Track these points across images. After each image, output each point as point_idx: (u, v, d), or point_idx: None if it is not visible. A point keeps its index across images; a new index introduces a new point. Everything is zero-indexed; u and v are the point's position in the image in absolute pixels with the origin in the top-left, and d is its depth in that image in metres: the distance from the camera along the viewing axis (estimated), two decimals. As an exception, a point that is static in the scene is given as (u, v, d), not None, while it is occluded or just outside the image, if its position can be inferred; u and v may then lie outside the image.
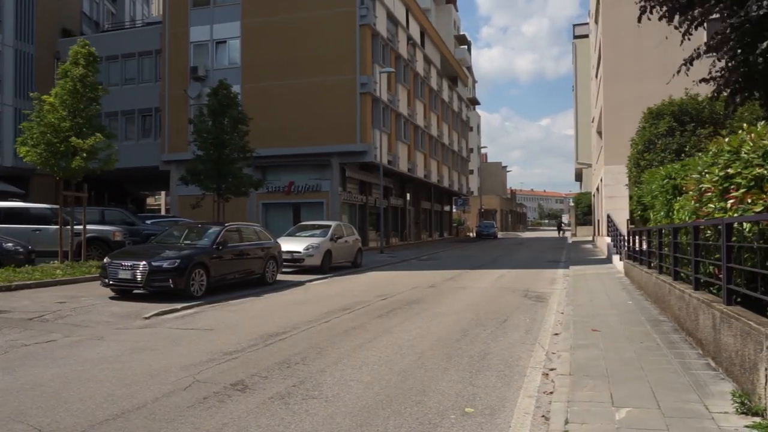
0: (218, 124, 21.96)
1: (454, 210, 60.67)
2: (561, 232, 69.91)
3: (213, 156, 21.69)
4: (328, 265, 18.00)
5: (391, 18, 34.00)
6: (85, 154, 15.41)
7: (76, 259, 16.21)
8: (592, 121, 39.23)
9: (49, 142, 15.05)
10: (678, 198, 9.40)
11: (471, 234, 62.92)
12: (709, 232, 6.99)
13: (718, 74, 9.49)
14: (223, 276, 12.73)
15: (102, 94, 16.33)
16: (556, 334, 8.31)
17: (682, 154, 13.82)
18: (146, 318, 9.82)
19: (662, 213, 10.38)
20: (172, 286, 11.31)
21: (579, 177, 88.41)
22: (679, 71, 10.05)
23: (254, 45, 31.32)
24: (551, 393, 5.49)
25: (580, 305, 10.35)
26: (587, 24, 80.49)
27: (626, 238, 16.03)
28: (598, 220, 37.00)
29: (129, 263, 11.36)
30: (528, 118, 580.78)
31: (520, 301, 11.98)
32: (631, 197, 15.26)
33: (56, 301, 11.18)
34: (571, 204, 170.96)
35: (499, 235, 61.27)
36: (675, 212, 9.27)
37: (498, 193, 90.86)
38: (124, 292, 12.11)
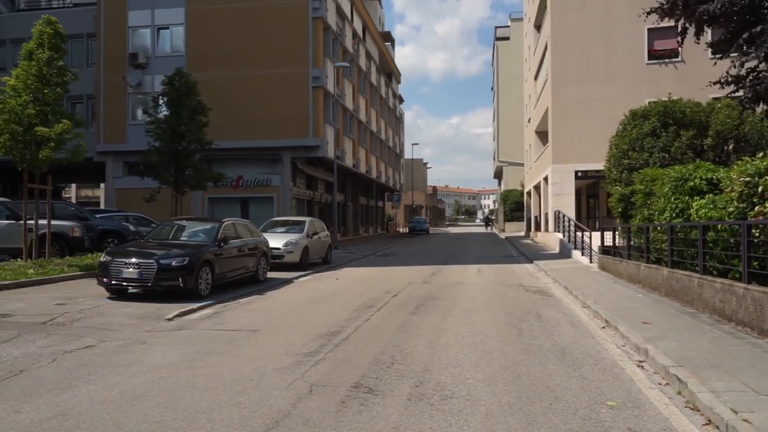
0: (175, 115, 20.97)
1: (386, 206, 61.02)
2: (489, 227, 72.08)
3: (171, 148, 20.70)
4: (306, 262, 17.68)
5: (339, 12, 33.72)
6: (52, 144, 14.25)
7: (40, 257, 14.97)
8: (529, 122, 40.71)
9: (14, 131, 13.79)
10: (696, 198, 9.99)
11: (400, 229, 63.57)
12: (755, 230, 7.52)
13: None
14: (224, 274, 12.22)
15: (70, 79, 15.15)
16: (603, 327, 8.63)
17: (667, 155, 14.68)
18: (169, 319, 9.30)
19: (669, 212, 10.98)
20: (181, 285, 10.74)
21: (498, 174, 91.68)
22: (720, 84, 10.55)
23: (200, 33, 30.07)
24: (667, 384, 5.73)
25: (596, 299, 10.75)
26: (509, 27, 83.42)
27: (601, 234, 16.80)
28: (535, 217, 38.54)
29: (135, 262, 10.66)
30: (439, 116, 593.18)
31: (528, 296, 12.29)
32: (609, 194, 15.96)
33: (54, 303, 10.33)
34: (492, 201, 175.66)
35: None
36: (693, 211, 9.85)
37: (420, 189, 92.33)
38: (120, 291, 11.37)
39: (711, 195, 9.57)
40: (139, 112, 31.04)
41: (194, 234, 12.61)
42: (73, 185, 60.49)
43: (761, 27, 9.34)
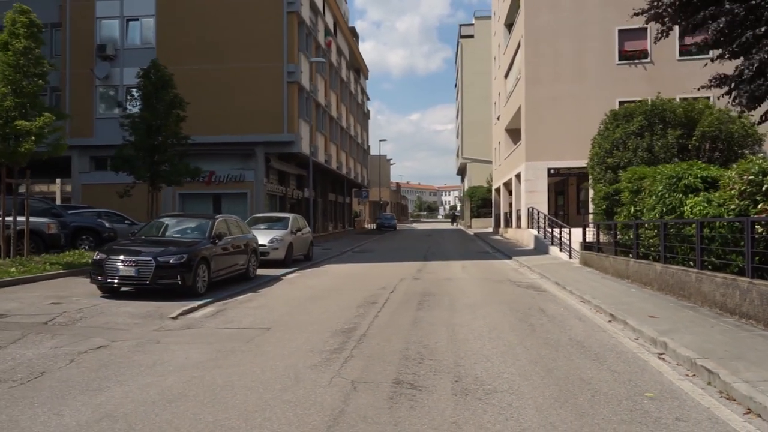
0: (151, 108, 20.50)
1: (353, 202, 60.93)
2: (455, 223, 72.75)
3: (146, 142, 20.23)
4: (290, 259, 17.56)
5: (312, 6, 33.47)
6: (33, 138, 13.78)
7: (16, 254, 14.46)
8: (498, 119, 41.23)
9: (-6, 124, 13.29)
10: (690, 195, 10.33)
11: (367, 226, 63.62)
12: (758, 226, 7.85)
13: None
14: (219, 271, 12.05)
15: (48, 69, 14.65)
16: (610, 321, 8.85)
17: (651, 154, 15.10)
18: (173, 318, 9.14)
19: (660, 208, 11.32)
20: (180, 282, 10.55)
21: (462, 171, 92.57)
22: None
23: (171, 25, 29.40)
24: (694, 376, 5.94)
25: (592, 294, 11.01)
26: (473, 25, 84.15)
27: (583, 231, 17.17)
28: (505, 213, 39.11)
29: (132, 259, 10.40)
30: (399, 113, 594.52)
31: (522, 291, 12.50)
32: (592, 192, 16.33)
33: (48, 302, 10.02)
34: (453, 197, 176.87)
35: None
36: (688, 208, 10.19)
37: (384, 185, 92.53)
38: (113, 290, 11.09)
39: (705, 193, 9.91)
40: (108, 105, 30.25)
41: (187, 231, 12.38)
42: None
43: (763, 29, 9.67)
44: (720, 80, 11.27)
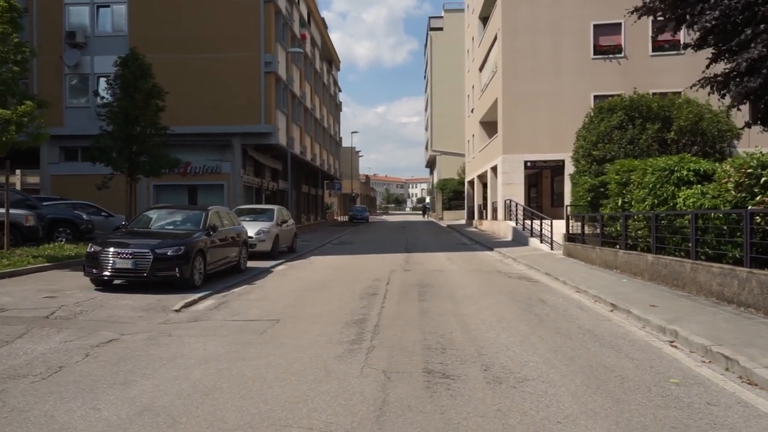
0: (129, 98, 20.05)
1: (324, 194, 60.65)
2: (426, 215, 73.11)
3: (125, 132, 19.81)
4: (277, 250, 17.45)
5: (288, -4, 33.11)
6: (13, 127, 13.34)
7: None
8: (472, 112, 41.52)
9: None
10: (683, 188, 10.62)
11: (339, 218, 63.46)
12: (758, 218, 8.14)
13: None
14: (213, 263, 11.89)
15: (29, 56, 14.19)
16: (611, 311, 9.07)
17: (635, 147, 15.44)
18: (177, 311, 9.04)
19: (651, 200, 11.62)
20: (178, 275, 10.39)
21: (431, 164, 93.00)
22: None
23: (144, 12, 28.71)
24: (710, 362, 6.14)
25: (587, 285, 11.24)
26: (442, 17, 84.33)
27: (567, 222, 17.47)
28: (479, 206, 39.49)
29: (129, 252, 10.20)
30: (365, 105, 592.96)
31: (516, 282, 12.68)
32: (569, 185, 16.60)
33: (43, 296, 9.77)
34: (421, 189, 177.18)
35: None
36: (681, 200, 10.48)
37: (354, 177, 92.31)
38: (106, 283, 10.87)
39: (699, 185, 10.21)
40: (79, 94, 29.45)
41: (180, 222, 12.19)
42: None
43: (762, 26, 9.93)
44: (710, 79, 11.57)
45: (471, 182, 43.45)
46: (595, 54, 28.02)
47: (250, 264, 15.31)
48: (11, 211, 15.83)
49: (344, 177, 76.54)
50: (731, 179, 8.91)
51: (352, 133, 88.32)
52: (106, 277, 10.45)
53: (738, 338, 6.58)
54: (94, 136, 20.32)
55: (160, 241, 10.53)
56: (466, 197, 46.94)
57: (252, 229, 16.78)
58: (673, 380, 5.54)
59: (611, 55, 27.89)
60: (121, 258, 10.19)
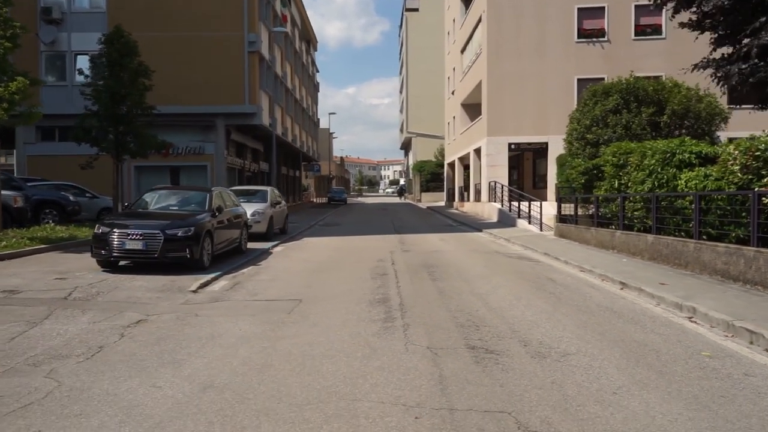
0: (115, 77, 19.62)
1: (302, 175, 60.29)
2: (402, 197, 73.30)
3: (110, 112, 19.41)
4: (271, 232, 17.41)
5: (270, -26, 32.58)
6: (5, 105, 13.02)
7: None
8: (453, 94, 41.62)
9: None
10: (684, 170, 10.93)
11: (315, 200, 63.21)
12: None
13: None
14: (219, 244, 11.85)
15: (21, 32, 13.79)
16: (622, 289, 9.34)
17: (629, 131, 15.76)
18: (194, 291, 9.03)
19: (651, 182, 11.93)
20: (188, 256, 10.34)
21: (406, 145, 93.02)
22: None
23: (123, -12, 27.96)
24: (733, 336, 6.42)
25: (591, 264, 11.52)
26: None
27: (558, 204, 17.78)
28: (460, 188, 39.80)
29: (139, 233, 10.10)
30: (335, 86, 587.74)
31: (518, 262, 12.92)
32: (563, 166, 16.86)
33: (53, 278, 9.64)
34: (393, 171, 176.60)
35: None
36: (682, 182, 10.79)
37: (328, 158, 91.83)
38: (111, 264, 10.76)
39: (702, 168, 10.52)
40: (56, 72, 28.66)
41: (185, 203, 12.09)
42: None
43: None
44: (713, 61, 11.85)
45: (451, 164, 43.68)
46: (578, 37, 28.29)
47: (248, 245, 15.28)
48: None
49: (321, 158, 76.20)
50: (737, 161, 9.21)
51: (330, 114, 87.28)
52: (114, 259, 10.33)
53: (756, 314, 6.87)
54: (80, 116, 19.83)
55: (170, 222, 10.46)
56: (445, 179, 47.19)
57: (247, 210, 16.66)
58: (705, 353, 5.78)
59: (594, 39, 28.21)
60: (131, 239, 10.09)
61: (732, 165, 9.39)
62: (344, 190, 59.33)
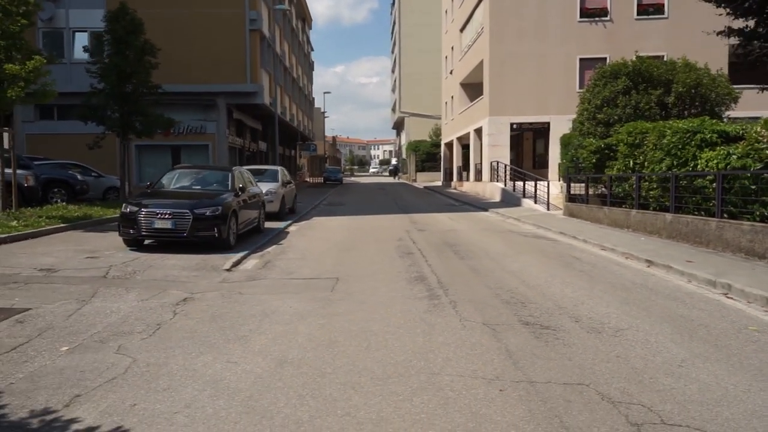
0: (121, 55, 19.42)
1: (297, 155, 60.09)
2: (396, 177, 73.31)
3: (117, 90, 19.24)
4: (283, 211, 17.45)
5: (268, -49, 32.13)
6: (22, 83, 12.89)
7: (7, 207, 13.65)
8: (451, 73, 41.50)
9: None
10: (705, 149, 11.08)
11: (309, 179, 63.06)
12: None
13: None
14: (241, 224, 11.89)
15: (35, 9, 13.59)
16: (648, 267, 9.52)
17: (638, 111, 15.88)
18: (228, 270, 9.09)
19: (669, 161, 12.08)
20: (216, 235, 10.39)
21: (398, 125, 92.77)
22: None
23: (122, -36, 27.42)
24: (773, 311, 6.62)
25: (610, 242, 11.69)
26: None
27: (568, 184, 17.93)
28: (458, 167, 39.89)
29: (168, 212, 10.12)
30: (323, 65, 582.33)
31: (536, 241, 13.08)
32: (567, 146, 16.93)
33: (84, 257, 9.67)
34: (383, 151, 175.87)
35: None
36: (702, 161, 10.95)
37: (320, 138, 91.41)
38: (137, 243, 10.79)
39: (724, 147, 10.66)
40: (55, 49, 28.18)
41: (207, 183, 12.09)
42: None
43: None
44: (731, 30, 11.96)
45: (449, 144, 43.70)
46: (581, 17, 28.26)
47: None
48: (10, 171, 15.35)
49: (315, 138, 75.85)
50: (764, 139, 9.36)
51: (325, 93, 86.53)
52: (142, 238, 10.36)
53: (792, 290, 7.06)
54: (86, 94, 19.63)
55: (198, 201, 10.48)
56: (442, 159, 47.23)
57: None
58: (752, 328, 5.96)
59: (597, 18, 28.19)
60: (160, 218, 10.11)
61: (757, 143, 9.53)
62: (340, 170, 59.23)
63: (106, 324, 5.95)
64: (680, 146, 11.68)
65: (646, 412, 3.85)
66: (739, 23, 13.62)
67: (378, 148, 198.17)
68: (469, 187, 34.68)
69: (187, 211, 10.16)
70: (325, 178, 55.30)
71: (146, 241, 10.97)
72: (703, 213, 11.08)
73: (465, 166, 38.12)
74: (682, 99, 16.10)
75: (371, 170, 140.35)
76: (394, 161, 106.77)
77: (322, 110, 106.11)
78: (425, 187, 44.64)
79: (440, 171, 50.02)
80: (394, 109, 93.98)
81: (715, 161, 10.66)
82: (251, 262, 9.88)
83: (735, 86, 18.07)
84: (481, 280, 8.33)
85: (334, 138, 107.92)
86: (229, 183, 11.83)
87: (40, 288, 7.42)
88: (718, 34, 12.58)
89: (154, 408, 3.95)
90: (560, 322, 6.08)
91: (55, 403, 4.01)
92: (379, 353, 5.07)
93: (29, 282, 7.72)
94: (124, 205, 10.58)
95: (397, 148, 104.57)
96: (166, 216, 10.11)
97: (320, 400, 4.07)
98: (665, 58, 20.99)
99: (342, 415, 3.82)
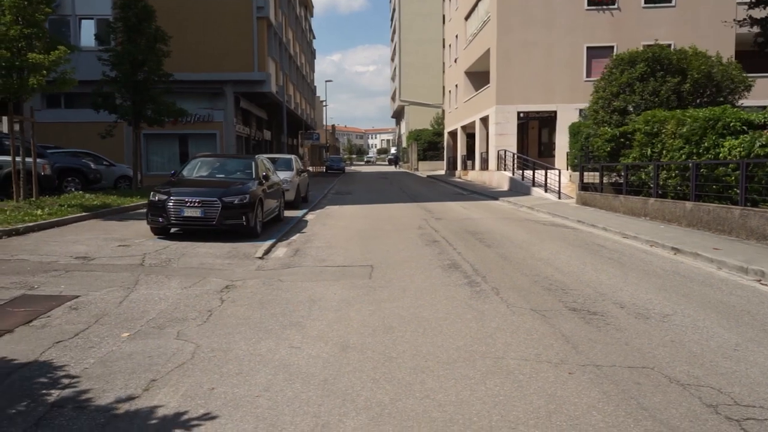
0: (133, 42, 19.37)
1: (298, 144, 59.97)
2: (397, 166, 73.32)
3: (130, 78, 19.20)
4: (299, 200, 17.50)
5: (273, -63, 31.88)
6: (44, 72, 12.89)
7: (27, 196, 13.67)
8: (455, 62, 41.42)
9: (2, 57, 12.25)
10: (728, 137, 11.17)
11: (311, 168, 63.00)
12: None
13: None
14: (266, 212, 11.95)
15: (54, -3, 13.55)
16: (675, 254, 9.63)
17: (656, 98, 15.94)
18: (260, 258, 9.17)
19: (689, 150, 12.17)
20: (244, 223, 10.46)
21: (398, 114, 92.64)
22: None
23: (128, -49, 27.22)
24: (810, 297, 6.73)
25: (633, 230, 11.79)
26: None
27: (581, 173, 18.01)
28: (462, 156, 39.92)
29: (197, 200, 10.18)
30: (319, 53, 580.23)
31: (555, 229, 13.18)
32: (598, 135, 16.96)
33: (116, 245, 9.72)
34: (381, 140, 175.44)
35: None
36: (725, 149, 11.04)
37: (319, 127, 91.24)
38: (163, 231, 10.85)
39: (747, 135, 10.75)
40: (61, 36, 28.02)
41: (231, 171, 12.12)
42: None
43: None
44: (753, 21, 12.03)
45: (452, 133, 43.69)
46: (588, 5, 28.20)
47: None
48: (28, 159, 15.35)
49: (318, 127, 75.70)
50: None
51: (326, 81, 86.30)
52: (171, 226, 10.42)
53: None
54: (97, 82, 19.59)
55: (226, 190, 10.53)
56: (445, 148, 47.23)
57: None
58: (793, 312, 6.08)
59: (604, 7, 28.14)
60: (189, 207, 10.16)
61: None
62: (342, 159, 59.20)
63: (159, 311, 6.02)
64: (701, 134, 11.76)
65: (717, 394, 3.96)
66: (755, 13, 13.63)
67: (375, 137, 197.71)
68: (474, 176, 34.74)
69: (216, 199, 10.21)
70: (328, 167, 55.30)
71: (172, 230, 11.03)
72: (726, 201, 11.18)
73: (469, 155, 38.15)
74: (698, 87, 16.14)
75: (365, 159, 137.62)
76: (393, 150, 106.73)
77: (321, 99, 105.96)
78: (428, 176, 44.68)
79: (442, 160, 50.07)
80: (393, 98, 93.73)
81: (738, 149, 10.75)
82: (281, 250, 9.95)
83: (747, 75, 18.16)
84: (515, 267, 8.43)
85: (333, 127, 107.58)
86: (253, 171, 11.87)
87: (81, 276, 7.48)
88: (738, 22, 12.60)
89: (234, 392, 4.04)
90: (605, 308, 6.18)
91: (134, 388, 4.09)
92: (437, 338, 5.17)
93: (69, 270, 7.78)
94: (152, 193, 10.62)
95: (396, 137, 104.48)
96: (196, 204, 10.16)
97: (395, 383, 4.17)
98: (672, 47, 21.02)
99: (421, 398, 3.91)
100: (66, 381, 4.18)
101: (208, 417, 3.69)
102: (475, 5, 34.43)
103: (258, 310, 6.14)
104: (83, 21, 27.65)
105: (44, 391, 4.00)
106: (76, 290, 6.73)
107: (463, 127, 38.71)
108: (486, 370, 4.40)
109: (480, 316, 5.85)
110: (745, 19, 12.60)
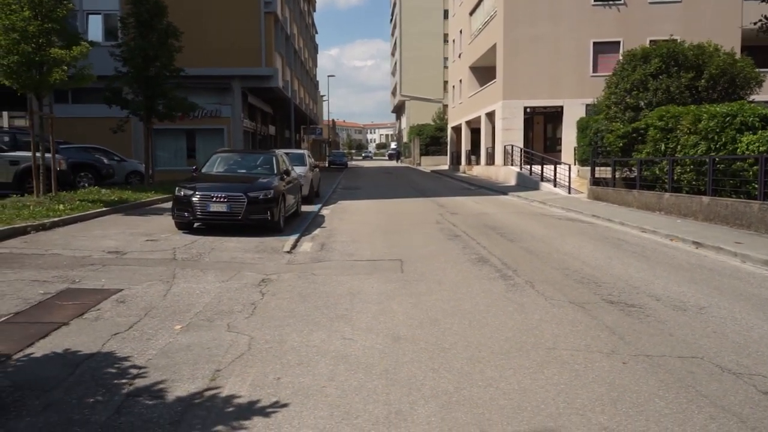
0: (145, 38, 19.42)
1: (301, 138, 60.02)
2: (398, 160, 73.39)
3: (143, 74, 19.26)
4: (313, 194, 17.60)
5: (279, -68, 31.85)
6: (65, 67, 12.98)
7: (47, 191, 13.75)
8: (459, 57, 41.47)
9: (24, 52, 12.32)
10: (746, 133, 11.29)
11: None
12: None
13: None
14: (287, 206, 12.06)
15: (73, -7, 13.59)
16: (697, 248, 9.76)
17: (669, 95, 16.05)
18: (288, 252, 9.28)
19: (706, 145, 12.29)
20: (269, 218, 10.57)
21: (398, 109, 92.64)
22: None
23: (135, -54, 27.21)
24: (838, 290, 6.86)
25: (651, 225, 11.92)
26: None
27: (592, 168, 18.13)
28: (467, 151, 40.02)
29: (223, 195, 10.28)
30: (319, 48, 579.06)
31: (572, 224, 13.31)
32: (611, 131, 17.07)
33: (144, 240, 9.82)
34: (379, 135, 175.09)
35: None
36: (743, 145, 11.17)
37: (322, 122, 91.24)
38: (187, 226, 10.95)
39: (764, 131, 10.87)
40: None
41: (253, 166, 12.23)
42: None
43: None
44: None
45: (456, 128, 43.77)
46: (595, 0, 28.26)
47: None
48: (46, 155, 15.44)
49: (319, 122, 75.65)
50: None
51: (329, 76, 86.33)
52: (196, 220, 10.53)
53: None
54: (109, 77, 19.63)
55: (250, 185, 10.63)
56: (449, 143, 47.32)
57: (290, 173, 16.82)
58: (826, 305, 6.21)
59: (611, 2, 28.21)
60: (215, 202, 10.26)
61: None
62: (345, 154, 59.25)
63: (204, 304, 6.13)
64: (718, 130, 11.88)
65: (770, 383, 4.09)
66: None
67: (374, 132, 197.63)
68: (479, 171, 34.84)
69: (242, 194, 10.31)
70: (330, 162, 55.37)
71: (195, 225, 11.13)
72: (743, 196, 11.31)
73: (474, 150, 38.25)
74: (714, 83, 16.24)
75: (363, 154, 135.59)
76: (393, 145, 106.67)
77: (322, 94, 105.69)
78: (432, 171, 44.79)
79: (445, 155, 50.17)
80: (394, 93, 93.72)
81: (756, 144, 10.88)
82: (306, 245, 10.06)
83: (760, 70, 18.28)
84: (543, 261, 8.55)
85: (333, 122, 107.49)
86: (274, 167, 11.97)
87: (119, 270, 7.58)
88: (756, 24, 12.71)
89: (300, 381, 4.15)
90: (642, 300, 6.31)
91: (201, 378, 4.20)
92: (485, 330, 5.29)
93: (105, 264, 7.88)
94: (177, 188, 10.72)
95: (397, 132, 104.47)
96: (222, 199, 10.27)
97: (455, 373, 4.29)
98: (684, 41, 21.10)
99: (484, 386, 4.04)
100: (134, 371, 4.29)
101: (280, 405, 3.80)
102: (480, 0, 34.46)
103: (300, 303, 6.26)
104: (90, 16, 27.62)
105: (116, 381, 4.11)
106: (117, 284, 6.84)
107: (468, 122, 38.81)
108: (540, 360, 4.52)
109: (521, 309, 5.98)
110: (760, 20, 12.69)
